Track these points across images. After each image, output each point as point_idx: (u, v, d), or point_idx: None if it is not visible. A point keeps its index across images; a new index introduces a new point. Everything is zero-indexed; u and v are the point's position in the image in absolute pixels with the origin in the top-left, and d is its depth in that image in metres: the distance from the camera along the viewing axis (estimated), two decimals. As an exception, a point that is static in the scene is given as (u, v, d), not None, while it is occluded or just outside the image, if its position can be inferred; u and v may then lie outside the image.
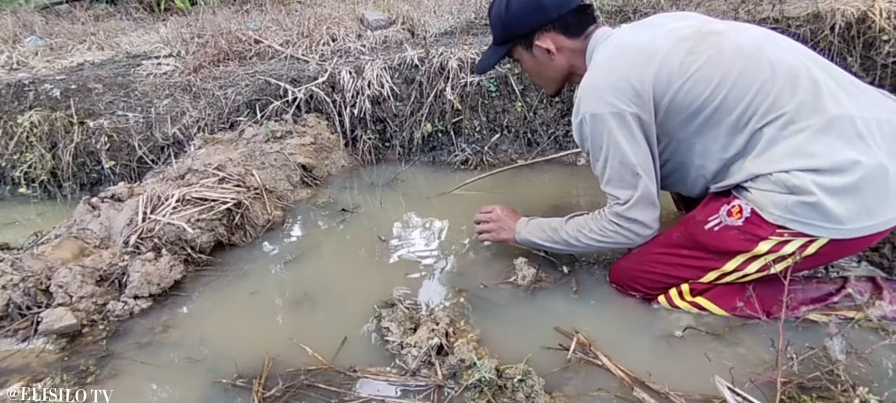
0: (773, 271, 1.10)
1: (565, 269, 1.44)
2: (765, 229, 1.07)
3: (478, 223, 1.54)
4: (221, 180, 1.86)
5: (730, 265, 1.14)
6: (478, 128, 2.42)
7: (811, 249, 1.05)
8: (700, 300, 1.22)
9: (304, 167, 2.18)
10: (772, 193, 1.04)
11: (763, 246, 1.08)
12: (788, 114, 1.03)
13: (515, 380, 1.02)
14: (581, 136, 1.20)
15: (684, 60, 1.09)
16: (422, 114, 2.43)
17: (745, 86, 1.05)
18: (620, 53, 1.16)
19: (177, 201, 1.71)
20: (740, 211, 1.09)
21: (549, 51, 1.28)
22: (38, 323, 1.33)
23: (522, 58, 1.35)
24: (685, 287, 1.23)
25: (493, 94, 2.37)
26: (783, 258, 1.08)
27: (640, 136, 1.14)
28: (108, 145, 2.50)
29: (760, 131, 1.06)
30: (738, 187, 1.11)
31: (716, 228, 1.13)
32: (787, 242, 1.05)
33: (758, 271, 1.12)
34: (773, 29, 2.12)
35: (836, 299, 1.19)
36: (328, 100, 2.46)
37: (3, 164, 2.59)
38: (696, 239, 1.17)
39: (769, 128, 1.05)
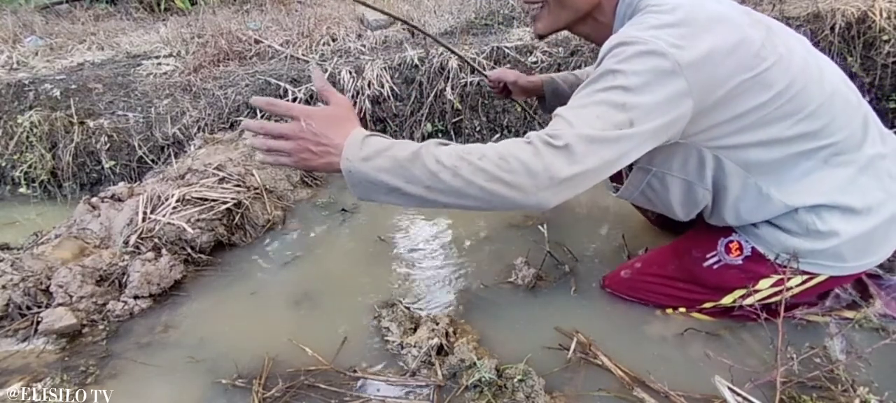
0: (770, 301, 1.09)
1: (567, 268, 1.44)
2: (766, 267, 1.05)
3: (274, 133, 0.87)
4: (221, 180, 1.86)
5: (727, 299, 1.13)
6: (478, 128, 2.42)
7: (809, 284, 1.05)
8: (695, 314, 1.22)
9: (304, 167, 2.18)
10: (782, 234, 1.01)
11: (764, 283, 1.07)
12: (835, 146, 0.94)
13: (515, 380, 1.02)
14: (611, 53, 0.84)
15: (758, 52, 0.86)
16: (422, 114, 2.43)
17: (801, 104, 0.90)
18: (699, 8, 0.86)
19: (177, 201, 1.71)
20: (740, 249, 1.07)
21: None
22: (38, 322, 1.33)
23: None
24: (682, 308, 1.23)
25: (493, 94, 2.37)
26: (782, 292, 1.07)
27: (668, 114, 0.82)
28: (108, 145, 2.50)
29: (797, 157, 0.95)
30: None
31: (715, 266, 1.11)
32: (789, 279, 1.03)
33: (756, 302, 1.11)
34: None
35: (826, 301, 1.19)
36: (328, 100, 2.46)
37: (3, 164, 2.59)
38: (694, 274, 1.15)
39: (811, 157, 0.95)
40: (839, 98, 0.94)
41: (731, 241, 1.09)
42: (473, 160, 0.78)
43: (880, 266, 1.24)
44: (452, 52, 1.51)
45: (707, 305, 1.18)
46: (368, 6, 1.05)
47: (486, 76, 1.55)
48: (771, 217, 1.01)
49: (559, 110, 0.83)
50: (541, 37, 1.07)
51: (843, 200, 0.95)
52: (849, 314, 1.17)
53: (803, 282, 1.04)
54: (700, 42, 0.82)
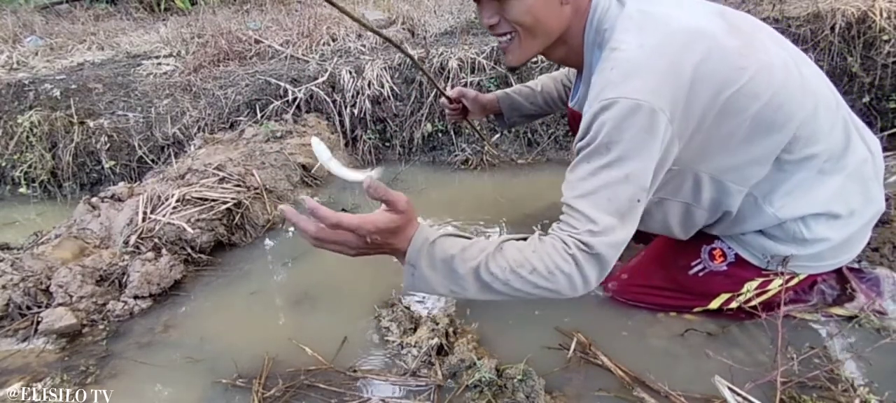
0: (754, 303, 1.12)
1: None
2: (750, 271, 1.07)
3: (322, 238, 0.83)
4: (221, 180, 1.86)
5: (714, 303, 1.16)
6: (478, 128, 2.42)
7: (790, 284, 1.08)
8: (687, 316, 1.23)
9: (304, 167, 2.18)
10: (767, 241, 1.03)
11: (748, 286, 1.09)
12: (824, 154, 0.94)
13: (515, 380, 1.02)
14: (597, 124, 0.84)
15: (738, 63, 0.85)
16: (422, 114, 2.43)
17: (789, 113, 0.89)
18: (665, 30, 0.85)
19: (177, 201, 1.70)
20: (722, 255, 1.09)
21: None
22: (38, 322, 1.33)
23: None
24: (672, 314, 1.25)
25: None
26: (767, 292, 1.10)
27: (659, 158, 0.85)
28: (108, 145, 2.50)
29: (792, 168, 0.94)
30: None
31: (701, 274, 1.13)
32: (771, 280, 1.06)
33: (741, 304, 1.14)
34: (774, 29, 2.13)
35: (810, 297, 1.21)
36: (328, 100, 2.46)
37: (3, 164, 2.59)
38: (680, 283, 1.17)
39: (804, 168, 0.94)
40: (823, 104, 0.93)
41: (715, 248, 1.11)
42: (524, 274, 0.84)
43: (864, 258, 1.30)
44: (416, 63, 1.46)
45: (696, 310, 1.21)
46: (341, 9, 1.00)
47: (446, 96, 1.46)
48: (758, 228, 1.02)
49: (571, 201, 0.86)
50: (513, 69, 1.05)
51: (831, 208, 0.96)
52: (837, 310, 1.19)
53: (785, 282, 1.06)
54: (678, 72, 0.82)
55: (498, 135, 2.40)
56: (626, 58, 0.84)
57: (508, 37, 0.97)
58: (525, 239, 0.90)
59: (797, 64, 0.94)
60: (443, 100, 1.48)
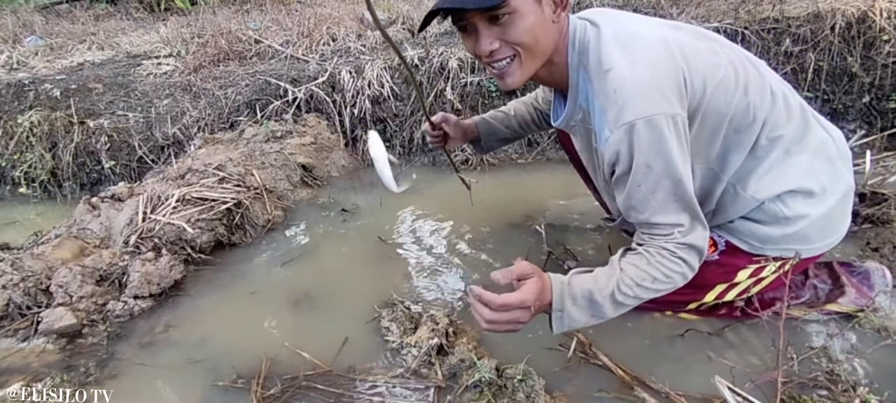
0: (751, 294, 1.13)
1: (567, 267, 1.44)
2: (742, 259, 1.08)
3: (491, 315, 0.92)
4: (221, 180, 1.86)
5: (710, 295, 1.15)
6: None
7: (784, 270, 1.07)
8: (683, 315, 1.24)
9: (304, 167, 2.18)
10: (753, 225, 1.05)
11: (742, 275, 1.10)
12: (786, 137, 1.00)
13: (515, 380, 1.02)
14: (625, 149, 0.92)
15: (711, 60, 0.95)
16: (422, 114, 2.43)
17: (758, 102, 0.97)
18: (645, 42, 0.93)
19: (177, 201, 1.71)
20: (714, 245, 1.10)
21: (556, 7, 0.96)
22: (38, 322, 1.33)
23: (523, 6, 0.91)
24: (668, 311, 1.25)
25: (494, 94, 2.37)
26: (761, 281, 1.11)
27: (688, 151, 0.94)
28: (108, 145, 2.50)
29: (764, 150, 1.01)
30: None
31: None
32: (764, 267, 1.07)
33: (737, 295, 1.14)
34: (774, 29, 2.13)
35: (803, 292, 1.21)
36: (328, 100, 2.46)
37: (3, 164, 2.59)
38: None
39: (773, 149, 1.00)
40: (779, 94, 1.01)
41: None
42: (648, 285, 0.97)
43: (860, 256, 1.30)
44: (412, 78, 1.44)
45: (692, 305, 1.20)
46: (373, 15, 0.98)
47: (431, 121, 1.47)
48: (741, 213, 1.05)
49: (650, 219, 0.97)
50: (512, 91, 1.06)
51: (804, 185, 1.00)
52: (832, 306, 1.19)
53: (778, 269, 1.07)
54: (673, 74, 0.90)
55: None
56: (623, 76, 0.91)
57: (507, 60, 0.98)
58: (634, 249, 1.02)
59: (753, 62, 1.02)
60: (426, 125, 1.49)
